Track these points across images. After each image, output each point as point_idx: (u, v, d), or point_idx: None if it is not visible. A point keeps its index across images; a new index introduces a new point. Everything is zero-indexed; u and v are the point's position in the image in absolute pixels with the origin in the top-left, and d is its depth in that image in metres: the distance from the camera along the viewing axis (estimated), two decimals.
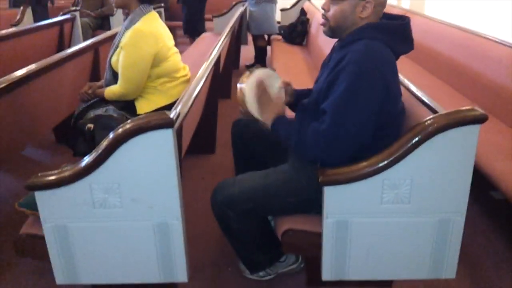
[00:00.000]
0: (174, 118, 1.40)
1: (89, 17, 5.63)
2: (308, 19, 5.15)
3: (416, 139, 1.39)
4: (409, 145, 1.39)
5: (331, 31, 1.56)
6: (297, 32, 5.11)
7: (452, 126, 1.37)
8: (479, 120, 1.36)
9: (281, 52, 4.78)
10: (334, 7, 1.52)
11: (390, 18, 1.56)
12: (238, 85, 1.69)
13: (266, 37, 5.51)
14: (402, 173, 1.43)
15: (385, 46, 1.46)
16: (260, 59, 5.48)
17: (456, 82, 3.24)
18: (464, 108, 1.38)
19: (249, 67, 5.50)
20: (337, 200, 1.48)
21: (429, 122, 1.39)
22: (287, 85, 1.79)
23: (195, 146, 2.79)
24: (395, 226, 1.51)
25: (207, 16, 6.01)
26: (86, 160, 1.43)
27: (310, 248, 1.60)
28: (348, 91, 1.38)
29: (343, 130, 1.39)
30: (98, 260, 1.56)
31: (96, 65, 3.23)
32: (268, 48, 5.56)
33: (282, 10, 5.90)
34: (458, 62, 3.25)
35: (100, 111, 2.09)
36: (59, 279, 1.59)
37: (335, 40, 1.62)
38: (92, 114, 2.09)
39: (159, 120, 1.36)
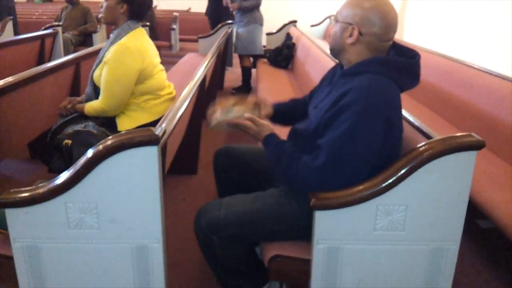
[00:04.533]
0: (160, 135, 1.32)
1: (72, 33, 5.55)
2: (294, 44, 5.17)
3: (411, 164, 1.34)
4: (404, 170, 1.34)
5: (331, 51, 1.54)
6: (283, 55, 5.14)
7: (448, 152, 1.32)
8: (476, 146, 1.32)
9: (266, 74, 4.78)
10: (335, 26, 1.50)
11: (400, 50, 1.49)
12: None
13: (251, 58, 5.51)
14: (397, 199, 1.37)
15: (390, 82, 1.40)
16: (245, 80, 5.47)
17: (443, 110, 3.24)
18: (460, 134, 1.35)
19: (236, 89, 5.48)
20: (328, 225, 1.41)
21: (424, 147, 1.34)
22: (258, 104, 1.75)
23: (177, 166, 2.70)
24: (389, 253, 1.44)
25: (192, 37, 5.98)
26: (63, 176, 1.33)
27: (299, 275, 1.51)
28: (348, 133, 1.33)
29: (336, 171, 1.34)
30: (71, 284, 1.44)
31: (77, 81, 3.13)
32: (254, 70, 5.55)
33: (268, 34, 5.93)
34: (444, 90, 3.26)
35: (79, 127, 2.00)
36: None
37: (323, 65, 1.58)
38: (70, 129, 2.00)
39: (144, 136, 1.28)
